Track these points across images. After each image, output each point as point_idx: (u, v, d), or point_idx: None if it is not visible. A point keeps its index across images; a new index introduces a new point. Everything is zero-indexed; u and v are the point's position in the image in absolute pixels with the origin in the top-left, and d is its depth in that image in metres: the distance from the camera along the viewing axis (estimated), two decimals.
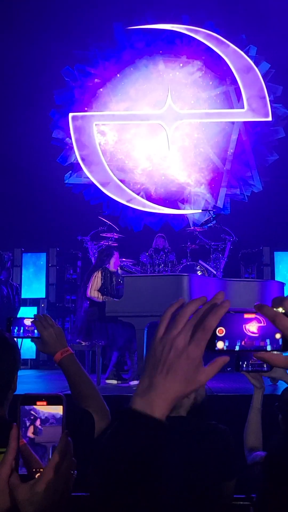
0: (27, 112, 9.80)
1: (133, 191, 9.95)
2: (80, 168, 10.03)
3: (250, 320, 0.87)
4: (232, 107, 10.01)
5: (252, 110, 9.92)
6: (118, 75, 10.09)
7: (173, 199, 9.92)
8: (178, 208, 9.88)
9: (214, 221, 7.96)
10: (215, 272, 7.45)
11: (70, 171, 10.08)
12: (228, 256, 7.98)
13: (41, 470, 0.98)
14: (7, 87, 9.81)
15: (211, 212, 8.11)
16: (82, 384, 1.82)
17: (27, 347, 8.29)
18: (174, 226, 9.72)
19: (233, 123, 9.99)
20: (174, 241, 8.18)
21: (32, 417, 1.04)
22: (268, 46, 9.67)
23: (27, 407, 1.04)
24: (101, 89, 10.14)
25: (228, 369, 7.26)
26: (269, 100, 9.86)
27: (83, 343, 6.17)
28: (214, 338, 0.86)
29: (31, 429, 1.04)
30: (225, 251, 7.94)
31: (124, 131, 10.12)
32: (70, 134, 10.07)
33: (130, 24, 10.13)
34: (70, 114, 10.08)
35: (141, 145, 10.07)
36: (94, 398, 1.81)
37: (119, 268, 6.84)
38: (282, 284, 6.61)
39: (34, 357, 8.32)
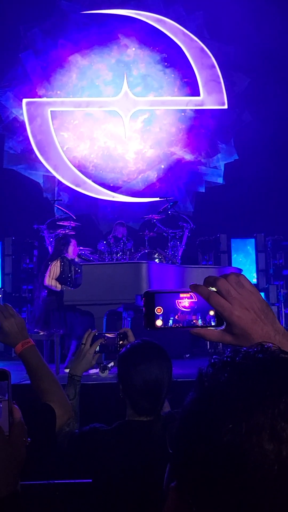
0: None
1: (89, 178, 9.86)
2: (35, 155, 9.85)
3: (183, 297, 0.94)
4: (188, 95, 10.02)
5: (208, 97, 9.96)
6: (74, 60, 9.93)
7: (127, 187, 9.90)
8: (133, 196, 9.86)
9: (172, 209, 7.99)
10: (173, 260, 7.47)
11: (24, 158, 9.89)
12: (186, 244, 8.01)
13: None
14: None
15: (168, 200, 8.13)
16: (43, 377, 1.78)
17: None
18: (131, 214, 9.69)
19: (191, 110, 10.00)
20: (131, 229, 8.16)
21: None
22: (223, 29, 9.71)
23: None
24: (55, 74, 9.95)
25: (187, 356, 7.34)
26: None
27: (41, 333, 6.09)
28: (154, 317, 0.93)
29: None
30: (182, 239, 7.96)
31: (79, 117, 10.00)
32: (21, 118, 9.86)
33: (88, 8, 9.98)
34: (24, 100, 9.87)
35: (97, 132, 9.97)
36: (56, 392, 1.77)
37: (77, 257, 6.77)
38: (239, 271, 6.70)
39: None
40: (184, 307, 0.94)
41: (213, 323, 0.93)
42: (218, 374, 0.63)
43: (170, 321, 0.94)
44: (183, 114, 10.01)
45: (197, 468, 0.59)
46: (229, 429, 0.58)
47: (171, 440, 0.64)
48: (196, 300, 0.93)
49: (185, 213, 9.14)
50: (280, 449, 0.57)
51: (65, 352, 6.21)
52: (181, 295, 0.94)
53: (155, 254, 7.45)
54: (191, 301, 0.94)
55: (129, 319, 6.49)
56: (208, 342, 7.04)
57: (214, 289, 0.90)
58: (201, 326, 0.94)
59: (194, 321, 0.94)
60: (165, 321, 0.94)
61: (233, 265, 8.62)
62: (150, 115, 10.02)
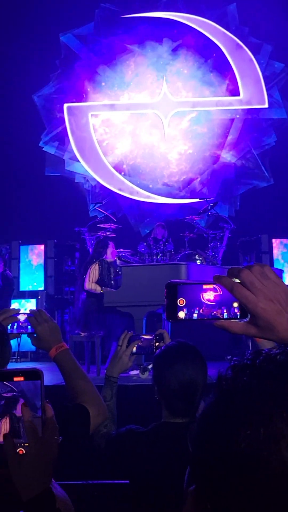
0: (22, 101, 9.75)
1: (128, 178, 9.89)
2: (76, 159, 9.96)
3: (207, 289, 0.92)
4: (228, 95, 9.92)
5: (248, 97, 9.84)
6: (113, 64, 9.99)
7: (170, 190, 9.88)
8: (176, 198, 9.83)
9: (212, 210, 7.94)
10: (213, 261, 7.42)
11: (67, 161, 10.01)
12: (227, 245, 7.94)
13: (27, 444, 1.01)
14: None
15: (208, 201, 8.08)
16: (77, 380, 1.80)
17: (27, 340, 8.28)
18: (171, 215, 9.68)
19: (231, 110, 9.89)
20: (171, 231, 8.14)
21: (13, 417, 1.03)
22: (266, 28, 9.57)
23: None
24: (95, 78, 10.04)
25: (228, 358, 7.26)
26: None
27: (82, 334, 6.16)
28: (176, 308, 0.92)
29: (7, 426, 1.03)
30: (223, 240, 7.90)
31: (119, 120, 10.05)
32: (64, 123, 10.00)
33: (125, 12, 10.03)
34: (65, 105, 10.01)
35: (140, 129, 9.97)
36: (90, 393, 1.79)
37: (117, 259, 6.82)
38: (280, 271, 6.59)
39: (34, 349, 8.30)
40: (209, 300, 0.92)
41: (238, 316, 0.92)
42: (237, 377, 0.61)
43: (195, 315, 0.92)
44: (237, 116, 9.84)
45: (214, 473, 0.57)
46: (247, 435, 0.56)
47: (191, 442, 0.63)
48: (221, 293, 0.92)
49: (227, 214, 9.06)
50: None
51: (106, 354, 6.26)
52: (204, 286, 0.92)
53: (195, 255, 7.42)
54: (215, 294, 0.92)
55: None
56: (250, 343, 6.95)
57: (238, 280, 0.88)
58: (225, 318, 0.92)
59: (219, 314, 0.92)
60: (189, 313, 0.92)
61: (275, 265, 8.49)
62: (198, 114, 9.92)
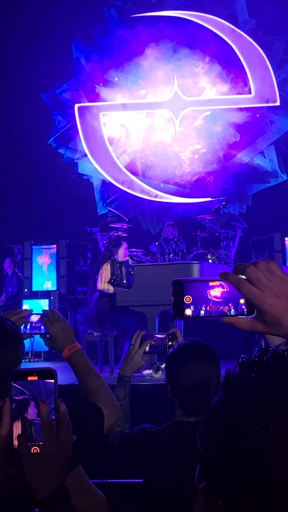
0: (34, 103, 9.80)
1: (139, 177, 9.88)
2: (87, 159, 9.98)
3: (214, 286, 0.92)
4: (240, 93, 9.87)
5: (260, 95, 9.79)
6: (123, 63, 10.00)
7: (181, 189, 9.86)
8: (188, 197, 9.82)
9: (224, 209, 7.91)
10: (226, 260, 7.40)
11: (78, 162, 10.04)
12: (239, 244, 7.91)
13: (41, 443, 1.01)
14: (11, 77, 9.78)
15: (220, 199, 8.05)
16: (91, 380, 1.81)
17: (41, 340, 8.31)
18: (183, 214, 9.66)
19: (244, 109, 9.84)
20: (184, 230, 8.13)
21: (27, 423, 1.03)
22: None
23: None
24: (106, 77, 10.06)
25: (242, 356, 7.24)
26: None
27: (95, 334, 6.17)
28: (183, 306, 0.92)
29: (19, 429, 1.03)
30: (235, 239, 7.87)
31: (130, 119, 10.05)
32: (75, 123, 10.03)
33: (136, 11, 10.02)
34: (76, 105, 10.04)
35: (151, 126, 9.96)
36: (103, 393, 1.80)
37: (129, 258, 6.82)
38: None
39: (47, 349, 8.33)
40: (216, 297, 0.92)
41: (245, 312, 0.91)
42: (245, 374, 0.62)
43: (202, 312, 0.92)
44: (254, 115, 9.79)
45: (224, 470, 0.58)
46: (256, 432, 0.56)
47: (200, 440, 0.63)
48: (227, 290, 0.91)
49: (238, 213, 9.03)
50: None
51: (119, 353, 6.26)
52: (211, 283, 0.92)
53: (208, 254, 7.40)
54: (222, 291, 0.91)
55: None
56: (263, 342, 6.93)
57: (244, 276, 0.87)
58: (232, 315, 0.91)
59: (226, 311, 0.91)
60: (196, 311, 0.92)
61: None
62: (212, 113, 9.88)
